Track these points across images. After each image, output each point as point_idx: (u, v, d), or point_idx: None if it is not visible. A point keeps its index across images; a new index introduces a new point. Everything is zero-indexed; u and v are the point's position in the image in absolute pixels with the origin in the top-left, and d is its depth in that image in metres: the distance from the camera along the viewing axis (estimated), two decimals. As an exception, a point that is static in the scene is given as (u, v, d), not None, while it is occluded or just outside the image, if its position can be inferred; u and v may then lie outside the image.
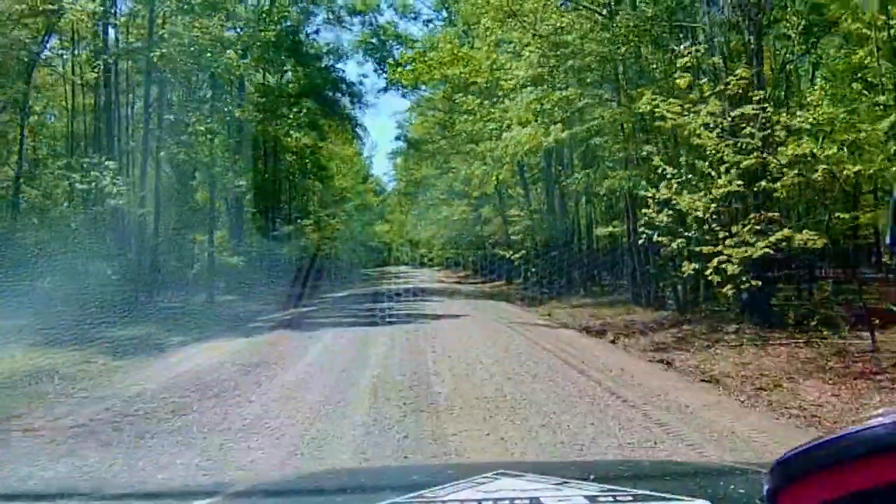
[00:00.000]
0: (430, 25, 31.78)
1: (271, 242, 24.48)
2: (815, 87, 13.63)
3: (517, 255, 22.62)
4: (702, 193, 10.19)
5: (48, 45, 17.55)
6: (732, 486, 1.46)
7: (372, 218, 40.99)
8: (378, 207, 43.95)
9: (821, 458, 0.77)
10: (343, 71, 34.62)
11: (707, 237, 10.19)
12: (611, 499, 1.22)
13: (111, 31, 18.63)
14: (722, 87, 10.54)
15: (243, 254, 22.67)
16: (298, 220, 28.13)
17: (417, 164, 36.72)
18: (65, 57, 18.99)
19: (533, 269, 23.90)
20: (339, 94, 31.13)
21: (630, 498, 1.24)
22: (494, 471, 1.48)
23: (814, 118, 9.57)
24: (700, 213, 10.11)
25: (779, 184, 9.55)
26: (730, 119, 9.91)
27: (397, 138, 34.79)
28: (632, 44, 14.22)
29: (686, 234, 10.72)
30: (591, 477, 1.43)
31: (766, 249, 9.44)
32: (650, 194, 10.61)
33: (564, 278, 22.25)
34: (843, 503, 0.74)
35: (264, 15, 24.27)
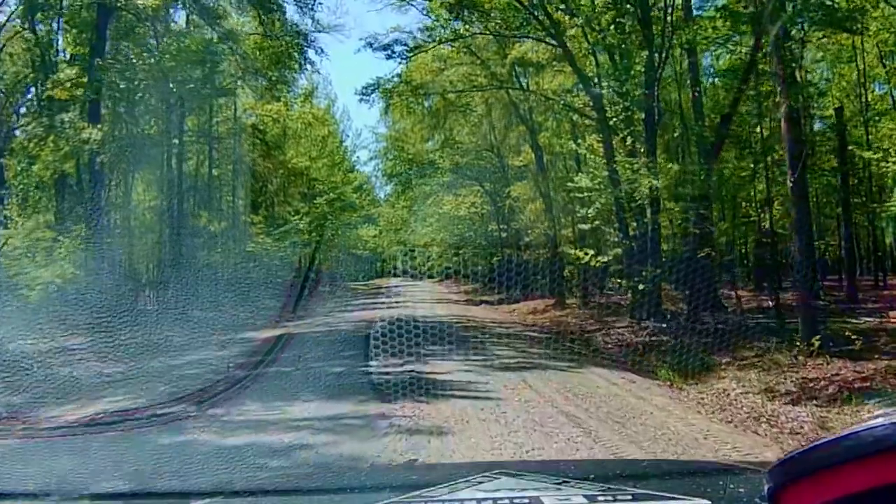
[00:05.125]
0: None
1: (191, 245, 16.98)
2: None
3: (605, 258, 12.64)
4: None
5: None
6: (732, 486, 1.46)
7: (357, 220, 30.43)
8: (360, 202, 32.71)
9: (821, 459, 0.77)
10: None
11: None
12: (611, 498, 1.22)
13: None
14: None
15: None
16: (243, 216, 20.74)
17: (409, 112, 22.75)
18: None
19: (640, 285, 12.05)
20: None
21: (630, 498, 1.24)
22: (494, 470, 1.48)
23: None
24: None
25: None
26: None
27: (370, 45, 18.13)
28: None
29: None
30: (591, 477, 1.42)
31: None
32: None
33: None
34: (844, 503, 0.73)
35: None
